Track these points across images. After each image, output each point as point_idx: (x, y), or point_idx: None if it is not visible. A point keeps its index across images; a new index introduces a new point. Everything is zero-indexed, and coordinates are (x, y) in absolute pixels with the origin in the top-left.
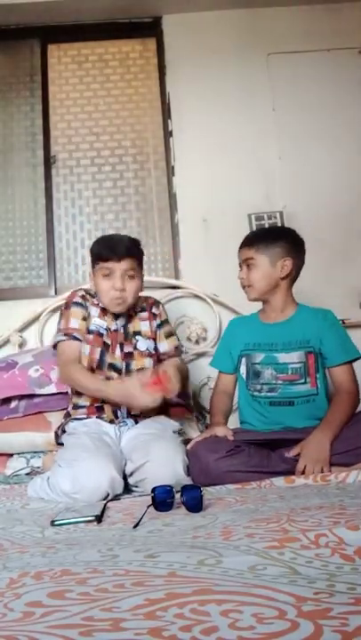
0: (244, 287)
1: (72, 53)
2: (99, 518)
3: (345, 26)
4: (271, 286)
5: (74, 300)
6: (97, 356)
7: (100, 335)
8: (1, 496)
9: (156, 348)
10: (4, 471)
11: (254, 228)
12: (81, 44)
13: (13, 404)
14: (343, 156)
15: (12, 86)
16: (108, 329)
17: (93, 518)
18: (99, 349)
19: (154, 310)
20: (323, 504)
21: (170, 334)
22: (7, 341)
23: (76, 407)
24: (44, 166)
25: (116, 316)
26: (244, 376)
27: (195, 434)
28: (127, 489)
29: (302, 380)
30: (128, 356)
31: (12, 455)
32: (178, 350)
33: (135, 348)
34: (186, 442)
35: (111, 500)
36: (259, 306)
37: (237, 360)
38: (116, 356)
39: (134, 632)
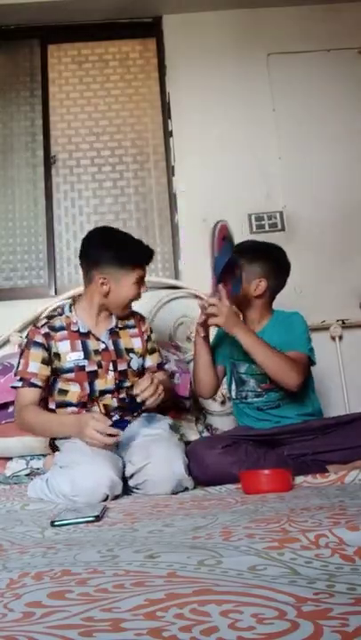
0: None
1: (72, 53)
2: (99, 518)
3: (345, 26)
4: (244, 302)
5: (34, 339)
6: (87, 390)
7: (82, 368)
8: (1, 496)
9: (142, 366)
10: (4, 472)
11: (254, 229)
12: (81, 44)
13: (11, 408)
14: (343, 155)
15: (12, 86)
16: (92, 353)
17: (93, 519)
18: (86, 383)
19: (143, 327)
20: (323, 504)
21: (153, 350)
22: (7, 341)
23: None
24: (44, 166)
25: (98, 338)
26: (232, 384)
27: (194, 435)
28: (126, 491)
29: (281, 386)
30: (122, 374)
31: (12, 458)
32: (160, 367)
33: (129, 366)
34: (186, 443)
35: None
36: None
37: (229, 365)
38: (108, 379)
39: (134, 632)
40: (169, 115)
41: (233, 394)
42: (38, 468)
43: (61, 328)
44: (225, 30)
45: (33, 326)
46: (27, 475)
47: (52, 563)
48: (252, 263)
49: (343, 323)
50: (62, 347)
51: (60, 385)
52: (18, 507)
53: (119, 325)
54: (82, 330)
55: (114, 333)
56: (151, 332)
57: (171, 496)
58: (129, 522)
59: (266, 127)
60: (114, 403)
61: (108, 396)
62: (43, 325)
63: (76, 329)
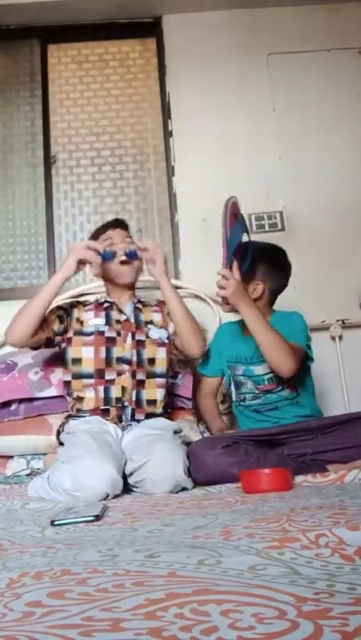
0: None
1: (72, 53)
2: (98, 518)
3: (345, 26)
4: None
5: (59, 305)
6: (103, 355)
7: (102, 333)
8: (1, 496)
9: (168, 337)
10: (5, 472)
11: (255, 229)
12: (81, 44)
13: (13, 406)
14: (343, 156)
15: (12, 86)
16: (110, 323)
17: (93, 518)
18: (103, 348)
19: (165, 308)
20: (323, 504)
21: None
22: None
23: (78, 411)
24: (44, 166)
25: (121, 310)
26: (231, 385)
27: (195, 436)
28: (126, 489)
29: (280, 388)
30: (140, 345)
31: (12, 456)
32: None
33: (147, 336)
34: (187, 444)
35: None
36: None
37: (227, 368)
38: (125, 347)
39: (134, 632)
40: (169, 115)
41: (233, 396)
42: (39, 468)
43: (89, 304)
44: (225, 30)
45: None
46: (27, 475)
47: (52, 562)
48: (250, 266)
49: (343, 323)
50: (87, 315)
51: (72, 354)
52: (18, 506)
53: (142, 301)
54: (107, 300)
55: (136, 308)
56: None
57: (170, 495)
58: (129, 521)
59: (266, 127)
60: (130, 381)
61: (126, 368)
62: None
63: (101, 302)
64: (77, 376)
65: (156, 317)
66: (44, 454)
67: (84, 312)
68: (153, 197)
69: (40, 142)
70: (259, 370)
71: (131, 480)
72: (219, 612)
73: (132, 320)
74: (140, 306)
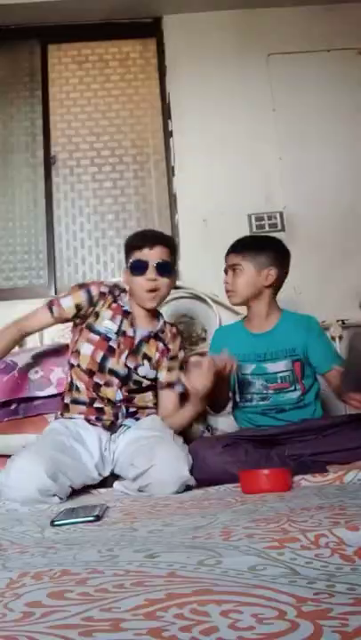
0: (227, 292)
1: (72, 54)
2: (98, 518)
3: (345, 26)
4: (254, 294)
5: (90, 287)
6: (98, 359)
7: (107, 339)
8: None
9: (154, 378)
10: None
11: (254, 229)
12: (81, 45)
13: (13, 406)
14: (343, 156)
15: (12, 86)
16: (119, 332)
17: (93, 518)
18: (101, 353)
19: (170, 345)
20: (322, 504)
21: (170, 369)
22: None
23: (75, 402)
24: (44, 167)
25: (133, 325)
26: (235, 387)
27: (194, 430)
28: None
29: (292, 388)
30: (129, 369)
31: (11, 456)
32: (170, 386)
33: (137, 367)
34: (186, 441)
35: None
36: None
37: None
38: (119, 362)
39: (134, 632)
40: (169, 115)
41: (237, 397)
42: None
43: (114, 301)
44: (225, 30)
45: (99, 281)
46: None
47: (52, 562)
48: (259, 254)
49: (343, 323)
50: (106, 312)
51: (79, 343)
52: (17, 506)
53: (157, 334)
54: (126, 308)
55: (146, 337)
56: (179, 349)
57: (170, 495)
58: (128, 521)
59: (266, 127)
60: (118, 395)
61: (116, 382)
62: (107, 285)
63: (121, 304)
64: (78, 365)
65: (156, 356)
66: None
67: (105, 308)
68: (153, 197)
69: (40, 142)
70: (272, 367)
71: (135, 485)
72: (219, 613)
73: (137, 340)
74: (152, 336)
